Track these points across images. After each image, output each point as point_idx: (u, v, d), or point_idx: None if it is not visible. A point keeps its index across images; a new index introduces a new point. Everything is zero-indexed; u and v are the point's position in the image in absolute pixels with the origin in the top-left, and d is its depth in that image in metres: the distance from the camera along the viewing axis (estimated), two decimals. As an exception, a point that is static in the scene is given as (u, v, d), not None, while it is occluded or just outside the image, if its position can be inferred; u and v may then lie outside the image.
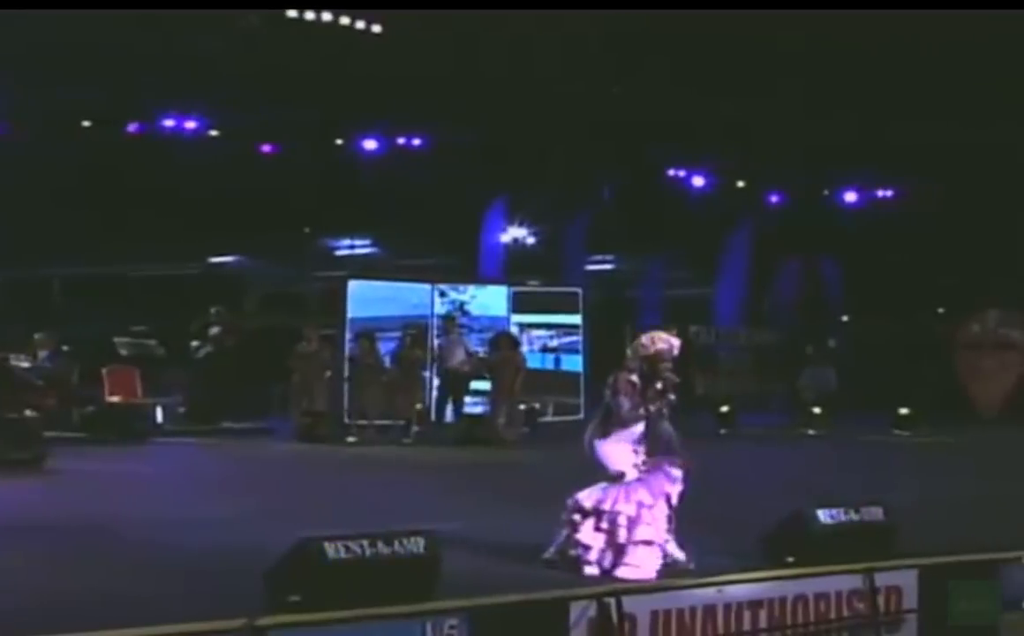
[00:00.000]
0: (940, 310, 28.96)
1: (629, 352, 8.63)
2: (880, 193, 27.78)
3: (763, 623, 7.87)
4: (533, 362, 21.53)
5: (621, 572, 8.20)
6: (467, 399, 20.10)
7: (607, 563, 8.32)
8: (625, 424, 8.47)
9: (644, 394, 8.49)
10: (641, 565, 8.23)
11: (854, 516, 8.76)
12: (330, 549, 6.91)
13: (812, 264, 29.53)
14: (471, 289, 22.04)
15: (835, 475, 15.40)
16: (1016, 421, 23.43)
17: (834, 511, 8.67)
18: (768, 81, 21.84)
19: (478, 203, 24.81)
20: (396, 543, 7.15)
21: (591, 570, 8.31)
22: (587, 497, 8.48)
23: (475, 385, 20.25)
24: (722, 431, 21.21)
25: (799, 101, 22.48)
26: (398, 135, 22.83)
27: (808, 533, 8.54)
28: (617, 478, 8.43)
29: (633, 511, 8.32)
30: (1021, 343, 26.50)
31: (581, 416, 22.52)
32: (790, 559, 8.39)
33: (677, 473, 8.50)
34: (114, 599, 7.28)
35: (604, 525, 8.36)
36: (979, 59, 21.71)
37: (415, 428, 19.20)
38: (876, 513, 8.87)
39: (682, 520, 9.48)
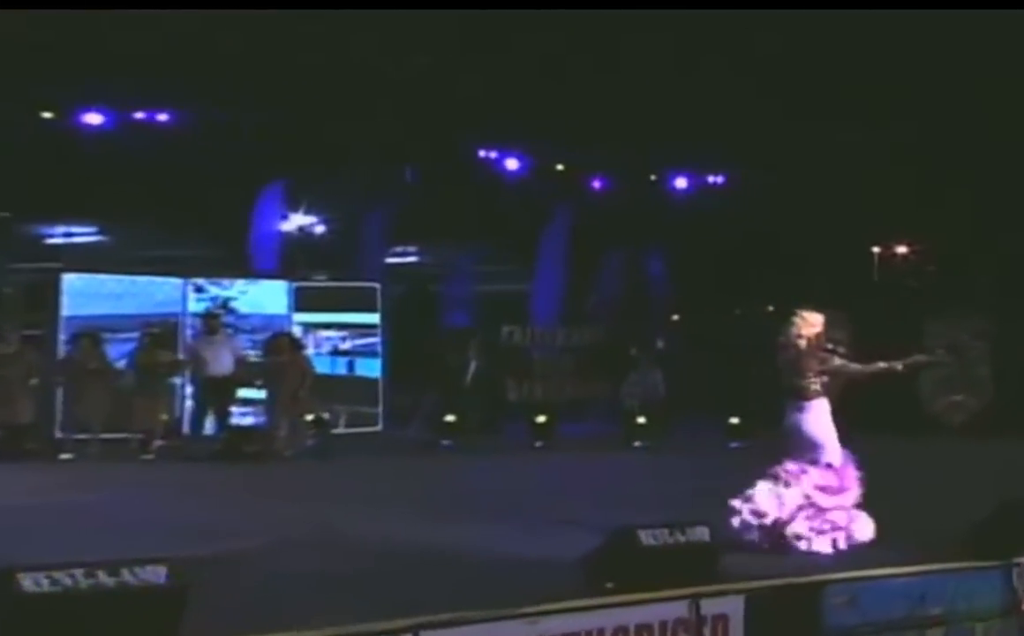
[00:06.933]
0: (770, 308, 29.90)
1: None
2: (711, 179, 28.40)
3: (579, 657, 7.98)
4: (321, 367, 21.43)
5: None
6: (233, 409, 19.90)
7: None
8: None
9: None
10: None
11: (679, 537, 9.00)
12: (27, 581, 6.38)
13: (638, 256, 30.09)
14: (239, 284, 21.77)
15: (661, 491, 15.78)
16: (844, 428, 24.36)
17: (658, 531, 8.90)
18: (588, 54, 22.19)
19: (249, 188, 24.22)
20: (126, 572, 6.68)
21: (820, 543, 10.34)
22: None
23: (243, 393, 20.05)
24: (538, 443, 21.45)
25: (623, 77, 22.88)
26: (135, 109, 21.96)
27: (630, 556, 8.75)
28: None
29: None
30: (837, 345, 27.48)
31: (379, 428, 22.54)
32: (610, 585, 8.58)
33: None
34: None
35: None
36: (821, 52, 22.61)
37: (158, 442, 18.90)
38: (702, 533, 9.14)
39: (493, 543, 9.46)
